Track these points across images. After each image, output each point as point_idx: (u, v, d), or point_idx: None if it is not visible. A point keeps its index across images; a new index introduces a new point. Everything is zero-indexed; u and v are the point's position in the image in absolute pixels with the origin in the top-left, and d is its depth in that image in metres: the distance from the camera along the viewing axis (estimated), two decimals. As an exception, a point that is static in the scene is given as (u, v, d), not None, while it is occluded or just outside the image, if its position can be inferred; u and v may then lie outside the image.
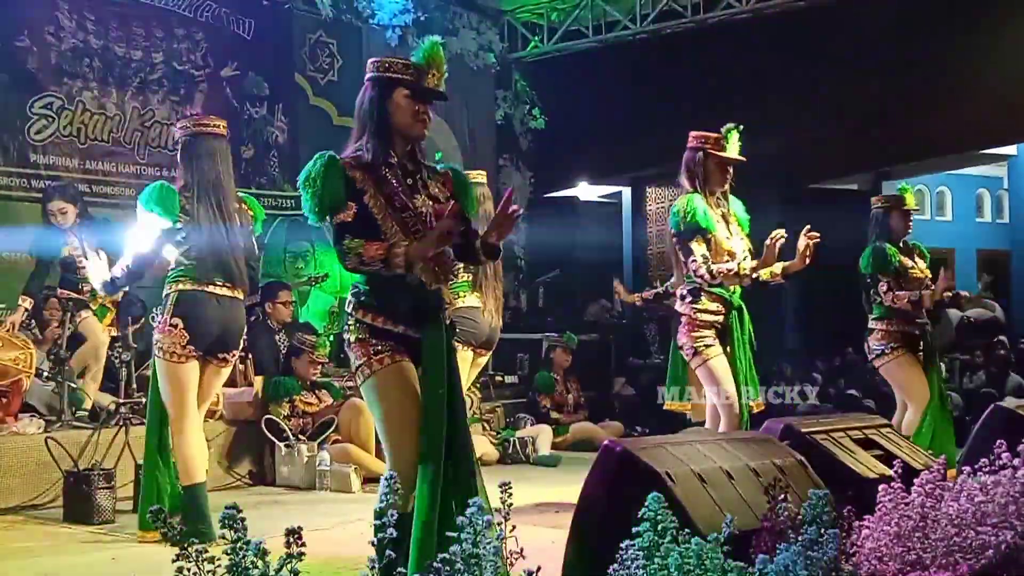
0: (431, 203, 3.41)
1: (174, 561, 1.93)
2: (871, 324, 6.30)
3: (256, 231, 5.18)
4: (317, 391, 7.36)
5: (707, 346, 5.04)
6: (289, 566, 1.85)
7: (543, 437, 8.45)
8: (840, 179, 11.87)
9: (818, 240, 5.02)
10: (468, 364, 6.17)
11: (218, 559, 1.93)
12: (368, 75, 3.45)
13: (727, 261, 5.00)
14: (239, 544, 1.85)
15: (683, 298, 5.12)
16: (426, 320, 3.32)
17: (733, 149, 5.10)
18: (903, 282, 6.21)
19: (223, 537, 1.90)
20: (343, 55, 10.30)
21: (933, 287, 6.23)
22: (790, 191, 11.19)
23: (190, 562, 1.89)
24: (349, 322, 3.38)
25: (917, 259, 6.39)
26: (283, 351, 7.81)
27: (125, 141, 8.71)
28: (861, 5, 9.99)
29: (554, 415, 9.07)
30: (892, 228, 6.30)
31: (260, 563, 1.89)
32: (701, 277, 4.97)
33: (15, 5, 7.96)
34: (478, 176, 5.68)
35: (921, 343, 6.25)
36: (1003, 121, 10.03)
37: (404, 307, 3.32)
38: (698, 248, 4.97)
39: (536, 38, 11.81)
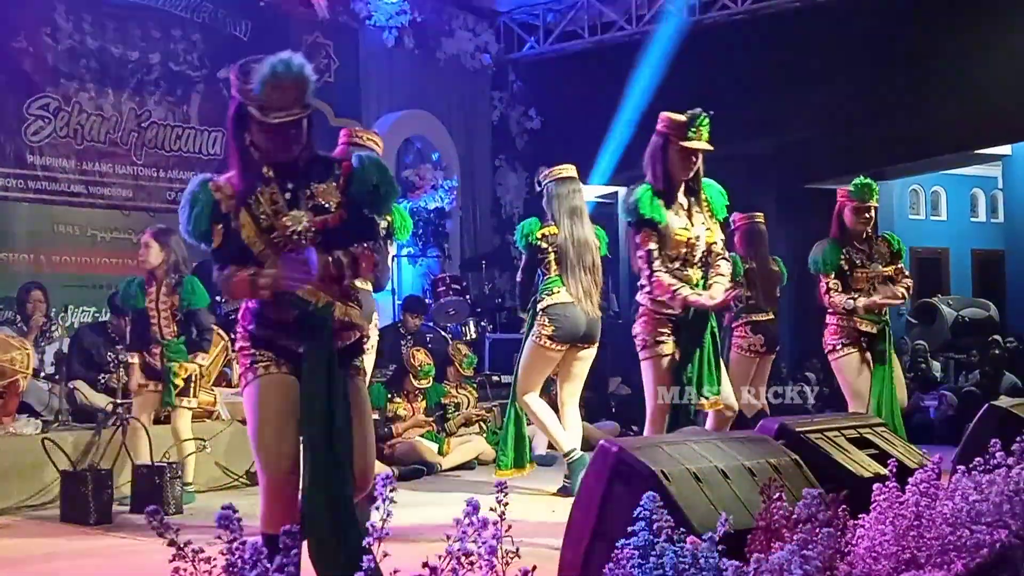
0: (310, 216, 3.21)
1: (171, 561, 1.94)
2: (827, 318, 6.15)
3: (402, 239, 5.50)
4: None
5: (658, 342, 4.84)
6: (284, 567, 1.86)
7: (540, 437, 8.45)
8: (834, 179, 11.87)
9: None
10: (551, 364, 6.19)
11: (214, 559, 1.94)
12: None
13: (684, 254, 4.81)
14: (236, 544, 1.85)
15: (642, 287, 4.92)
16: (308, 334, 3.20)
17: (699, 138, 4.78)
18: (849, 281, 6.05)
19: (219, 537, 1.91)
20: (340, 56, 10.31)
21: (906, 281, 6.16)
22: (784, 191, 11.20)
23: (186, 562, 1.90)
24: (237, 328, 3.35)
25: (876, 256, 6.15)
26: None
27: (122, 142, 8.73)
28: (855, 5, 10.01)
29: (551, 415, 9.05)
30: (845, 225, 6.10)
31: (257, 563, 1.89)
32: (645, 276, 4.80)
33: (12, 6, 7.96)
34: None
35: (876, 342, 6.06)
36: (997, 121, 10.05)
37: (286, 320, 3.22)
38: (647, 242, 4.75)
39: (532, 39, 11.83)
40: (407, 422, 7.74)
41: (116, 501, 5.72)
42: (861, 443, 3.99)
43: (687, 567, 2.37)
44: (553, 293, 6.12)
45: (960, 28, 9.70)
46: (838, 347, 6.11)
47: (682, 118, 4.76)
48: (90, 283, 8.40)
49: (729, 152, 5.17)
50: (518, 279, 6.44)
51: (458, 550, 2.00)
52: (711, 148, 4.83)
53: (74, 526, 5.41)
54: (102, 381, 6.88)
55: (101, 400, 6.63)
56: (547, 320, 6.09)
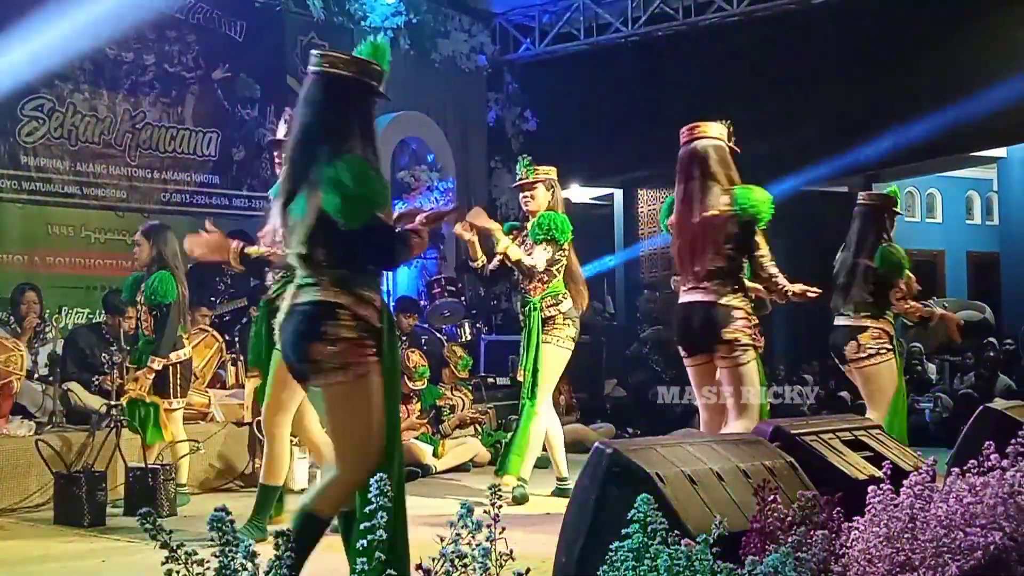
0: None
1: (164, 563, 1.93)
2: (863, 322, 6.10)
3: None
4: (308, 393, 7.35)
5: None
6: (278, 569, 1.85)
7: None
8: (829, 182, 11.88)
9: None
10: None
11: (207, 561, 1.93)
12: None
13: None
14: (228, 547, 1.85)
15: (737, 290, 4.98)
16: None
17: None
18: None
19: (212, 540, 1.90)
20: (335, 57, 10.29)
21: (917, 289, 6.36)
22: (779, 193, 11.19)
23: (179, 564, 1.89)
24: (341, 316, 3.18)
25: None
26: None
27: (116, 143, 8.70)
28: (850, 8, 10.02)
29: (546, 417, 9.05)
30: (887, 229, 6.19)
31: (250, 566, 1.89)
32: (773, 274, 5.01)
33: (5, 6, 7.93)
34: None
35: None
36: (993, 123, 10.05)
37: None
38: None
39: (527, 40, 11.83)
40: (402, 424, 7.72)
41: (110, 503, 5.71)
42: (856, 445, 4.00)
43: (681, 569, 2.37)
44: (565, 297, 6.19)
45: (955, 29, 9.72)
46: (881, 351, 6.05)
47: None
48: (84, 284, 8.37)
49: (736, 154, 5.21)
50: (540, 268, 6.12)
51: (452, 552, 2.00)
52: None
53: (68, 528, 5.39)
54: (96, 383, 6.86)
55: (95, 402, 6.61)
56: (570, 322, 6.20)
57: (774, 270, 4.93)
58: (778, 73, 10.40)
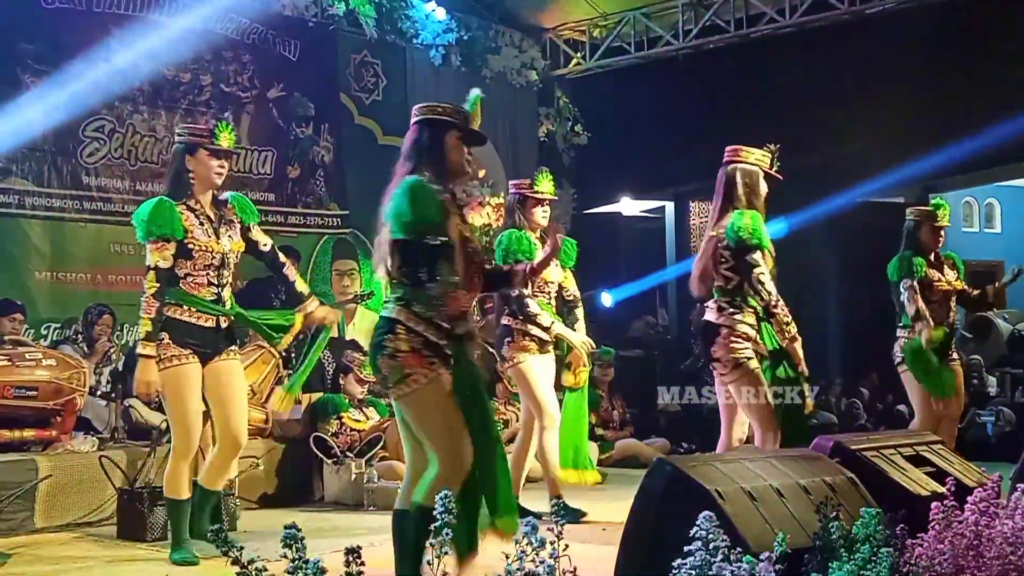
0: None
1: (234, 579, 1.96)
2: (897, 332, 6.47)
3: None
4: (364, 408, 7.41)
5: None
6: (347, 584, 1.88)
7: (589, 454, 8.43)
8: (886, 193, 11.75)
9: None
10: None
11: (276, 577, 1.96)
12: None
13: None
14: (299, 562, 1.88)
15: (722, 310, 5.11)
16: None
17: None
18: (928, 293, 6.37)
19: (284, 556, 1.93)
20: (387, 75, 10.39)
21: (972, 294, 6.65)
22: (834, 206, 11.10)
23: (250, 580, 1.92)
24: (398, 332, 3.49)
25: (948, 271, 6.59)
26: (331, 369, 7.88)
27: (174, 163, 8.83)
28: (904, 19, 9.92)
29: (599, 432, 9.04)
30: (921, 241, 6.49)
31: (318, 581, 1.91)
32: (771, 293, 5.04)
33: (68, 30, 8.11)
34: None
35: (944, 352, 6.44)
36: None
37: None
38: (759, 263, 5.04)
39: (579, 55, 11.84)
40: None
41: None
42: (918, 461, 3.95)
43: (745, 587, 2.36)
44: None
45: (1013, 36, 9.59)
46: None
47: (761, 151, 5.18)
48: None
49: (788, 166, 5.23)
50: None
51: (517, 570, 2.01)
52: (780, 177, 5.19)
53: (131, 542, 5.48)
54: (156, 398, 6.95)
55: (155, 418, 6.70)
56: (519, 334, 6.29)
57: (769, 298, 4.96)
58: (831, 85, 10.32)
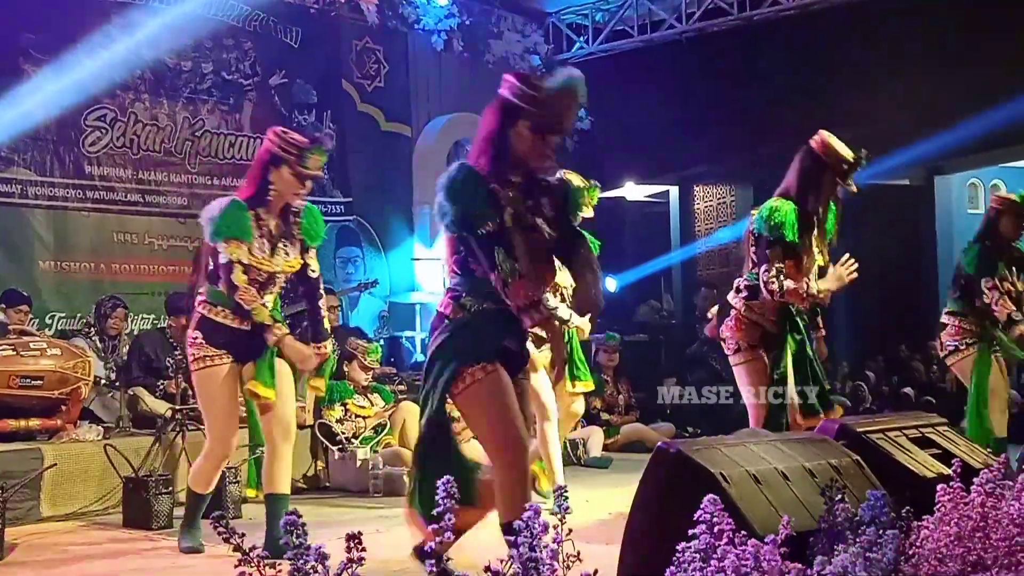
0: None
1: (237, 566, 1.95)
2: (944, 319, 6.30)
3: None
4: (369, 395, 7.42)
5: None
6: (349, 571, 1.87)
7: (594, 439, 8.45)
8: (891, 175, 11.72)
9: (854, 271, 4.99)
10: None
11: (279, 564, 1.95)
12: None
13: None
14: (300, 550, 1.87)
15: (738, 291, 5.08)
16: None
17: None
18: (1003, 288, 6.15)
19: (286, 543, 1.92)
20: (389, 61, 10.37)
21: None
22: (843, 189, 11.05)
23: (252, 567, 1.91)
24: (445, 327, 3.41)
25: (1016, 269, 6.29)
26: (335, 356, 7.86)
27: (176, 151, 8.85)
28: (908, 0, 9.87)
29: (605, 417, 9.05)
30: (1001, 231, 6.24)
31: (320, 568, 1.91)
32: (771, 292, 4.90)
33: (69, 20, 8.09)
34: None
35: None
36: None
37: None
38: (776, 260, 4.88)
39: (581, 39, 11.80)
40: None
41: (176, 505, 5.79)
42: (923, 443, 3.93)
43: (749, 570, 2.35)
44: None
45: (1016, 16, 9.53)
46: (960, 347, 6.12)
47: (849, 155, 5.03)
48: (148, 291, 8.52)
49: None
50: None
51: (520, 554, 2.00)
52: (855, 190, 5.18)
53: (137, 531, 5.49)
54: (160, 387, 6.97)
55: (160, 406, 6.71)
56: None
57: (773, 287, 4.86)
58: (834, 67, 10.27)
